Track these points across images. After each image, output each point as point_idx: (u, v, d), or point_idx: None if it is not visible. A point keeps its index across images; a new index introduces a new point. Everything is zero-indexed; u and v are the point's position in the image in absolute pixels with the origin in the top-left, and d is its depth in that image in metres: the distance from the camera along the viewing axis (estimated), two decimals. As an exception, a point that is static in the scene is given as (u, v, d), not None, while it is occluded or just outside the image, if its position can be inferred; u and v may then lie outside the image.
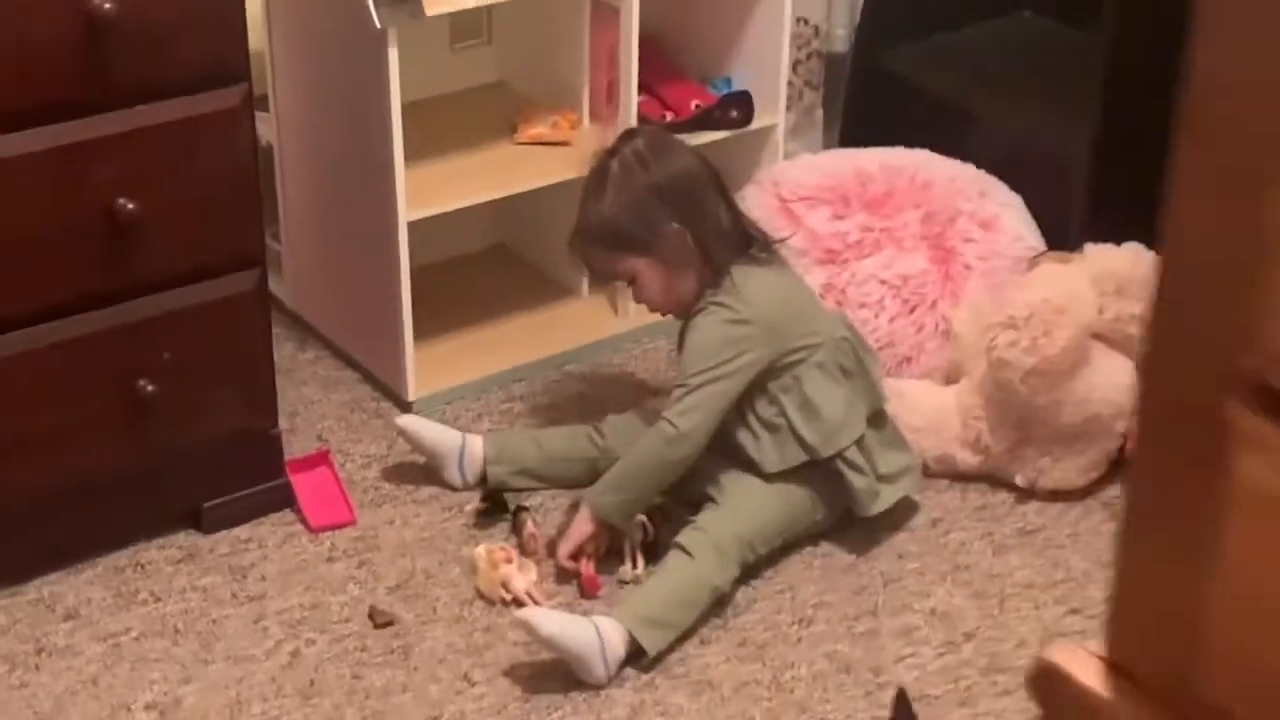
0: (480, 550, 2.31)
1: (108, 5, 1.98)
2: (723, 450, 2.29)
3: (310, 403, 2.70)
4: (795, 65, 3.33)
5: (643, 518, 2.31)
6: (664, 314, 2.37)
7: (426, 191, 2.58)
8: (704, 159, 2.31)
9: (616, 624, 2.13)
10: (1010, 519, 2.48)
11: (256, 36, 2.62)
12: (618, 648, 2.12)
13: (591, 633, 2.10)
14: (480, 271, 3.00)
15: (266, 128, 2.78)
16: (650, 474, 2.25)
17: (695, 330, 2.25)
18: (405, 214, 2.54)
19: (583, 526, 2.24)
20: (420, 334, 2.66)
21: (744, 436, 2.29)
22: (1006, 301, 2.46)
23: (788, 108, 3.05)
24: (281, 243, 2.87)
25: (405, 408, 2.67)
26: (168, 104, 2.11)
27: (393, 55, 2.43)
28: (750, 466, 2.30)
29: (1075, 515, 2.49)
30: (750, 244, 2.30)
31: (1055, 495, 2.51)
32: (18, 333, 2.11)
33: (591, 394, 2.75)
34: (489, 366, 2.75)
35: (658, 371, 2.81)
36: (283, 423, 2.54)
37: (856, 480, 2.30)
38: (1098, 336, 2.49)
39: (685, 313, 2.31)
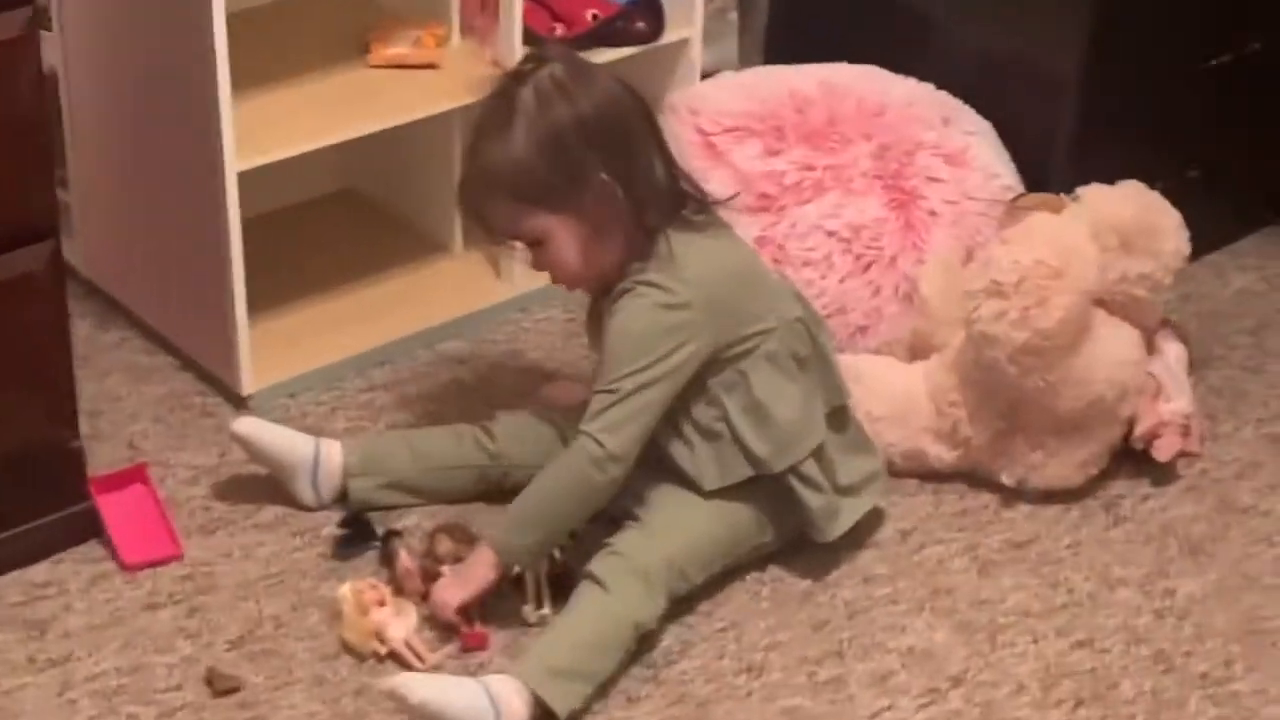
0: (345, 590, 2.17)
1: None
2: (648, 458, 2.17)
3: (116, 399, 2.54)
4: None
5: None
6: (573, 288, 2.23)
7: (259, 131, 2.42)
8: (633, 90, 2.17)
9: (516, 682, 2.01)
10: (996, 528, 2.40)
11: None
12: (518, 712, 2.00)
13: (481, 698, 1.98)
14: (326, 223, 2.85)
15: (50, 49, 2.59)
16: (571, 505, 2.13)
17: (621, 317, 2.12)
18: (234, 162, 2.38)
19: (484, 574, 2.12)
20: (254, 307, 2.50)
21: (676, 446, 2.17)
22: (990, 262, 2.36)
23: (699, 10, 2.91)
24: (71, 193, 2.69)
25: (239, 403, 2.52)
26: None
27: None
28: (683, 479, 2.18)
29: (1074, 520, 2.42)
30: (684, 202, 2.17)
31: (1049, 496, 2.43)
32: None
33: (473, 380, 2.61)
34: (342, 347, 2.61)
35: (553, 348, 2.69)
36: (84, 427, 2.37)
37: (812, 499, 2.20)
38: (1099, 303, 2.40)
39: (603, 288, 2.17)
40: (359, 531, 2.28)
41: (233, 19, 2.31)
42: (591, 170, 2.08)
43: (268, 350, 2.54)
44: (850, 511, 2.25)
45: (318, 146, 2.45)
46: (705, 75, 2.91)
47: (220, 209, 2.40)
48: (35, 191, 2.07)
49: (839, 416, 2.25)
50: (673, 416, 2.15)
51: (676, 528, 2.17)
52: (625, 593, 2.09)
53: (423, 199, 2.80)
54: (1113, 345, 2.40)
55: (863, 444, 2.29)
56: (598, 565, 2.12)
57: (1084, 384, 2.36)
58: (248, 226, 2.44)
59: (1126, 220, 2.41)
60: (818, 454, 2.19)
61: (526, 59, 2.19)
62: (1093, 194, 2.46)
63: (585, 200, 2.09)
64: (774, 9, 3.05)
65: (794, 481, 2.18)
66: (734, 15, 3.31)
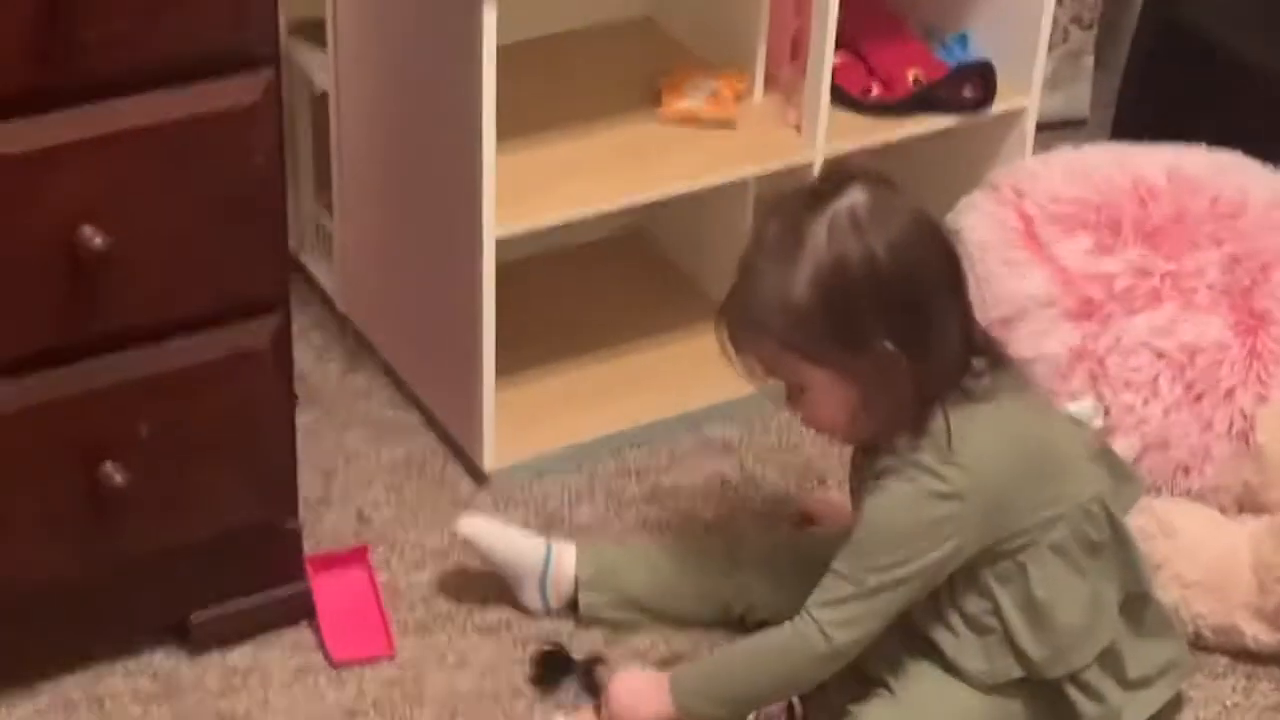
0: (559, 726, 2.03)
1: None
2: (906, 627, 1.97)
3: (354, 457, 2.42)
4: (1060, -2, 2.95)
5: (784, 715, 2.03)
6: (825, 432, 2.02)
7: (524, 192, 2.26)
8: (943, 232, 1.92)
9: None
10: (1316, 732, 2.13)
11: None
12: None
13: None
14: (603, 268, 2.67)
15: (323, 71, 2.49)
16: (774, 691, 1.97)
17: (883, 500, 1.90)
18: (492, 226, 2.22)
19: (653, 712, 1.96)
20: (506, 366, 2.36)
21: (938, 631, 1.96)
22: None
23: (1049, 47, 2.65)
24: (335, 220, 2.58)
25: (479, 479, 2.38)
26: (153, 97, 1.81)
27: (488, 18, 2.09)
28: (941, 658, 1.97)
29: None
30: (971, 365, 1.94)
31: (1384, 700, 2.15)
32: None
33: (737, 477, 2.43)
34: (599, 423, 2.45)
35: (830, 443, 2.46)
36: (316, 488, 2.31)
37: (1089, 709, 1.97)
38: None
39: (861, 444, 1.97)
40: (554, 664, 2.13)
41: (508, 52, 2.14)
42: (875, 337, 1.85)
43: (515, 418, 2.40)
44: (1137, 710, 2.01)
45: (585, 215, 2.28)
46: (1045, 126, 2.66)
47: (476, 272, 2.25)
48: (262, 266, 1.95)
49: (1135, 604, 2.01)
50: (937, 602, 1.93)
51: (934, 709, 1.96)
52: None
53: (709, 254, 2.62)
54: None
55: (1161, 628, 2.04)
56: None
57: None
58: (507, 270, 2.27)
59: None
60: (1103, 655, 1.95)
61: (827, 178, 1.96)
62: None
63: (861, 365, 1.87)
64: (1129, 74, 2.77)
65: (1070, 688, 1.95)
66: (1089, 60, 3.06)
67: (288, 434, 2.07)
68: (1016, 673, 1.94)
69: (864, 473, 1.94)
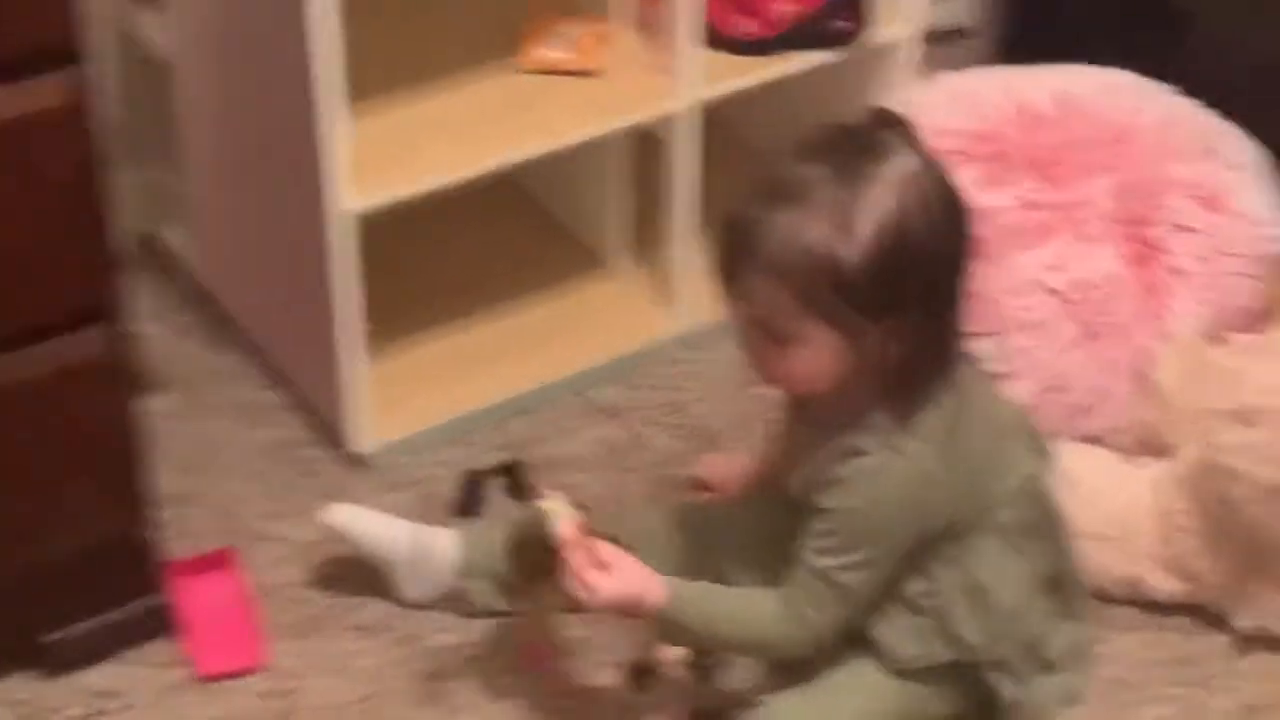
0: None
1: None
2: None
3: (219, 446, 2.27)
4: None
5: (688, 675, 1.97)
6: (789, 390, 1.82)
7: (377, 166, 2.08)
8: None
9: None
10: (1226, 685, 2.02)
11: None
12: None
13: None
14: (472, 220, 2.47)
15: (163, 33, 2.29)
16: (741, 641, 1.86)
17: (864, 486, 1.72)
18: (344, 201, 2.04)
19: (642, 601, 1.78)
20: (375, 340, 2.19)
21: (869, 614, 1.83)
22: (1239, 377, 1.95)
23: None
24: (191, 192, 2.39)
25: (351, 462, 2.22)
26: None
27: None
28: (866, 645, 1.83)
29: (1325, 682, 2.02)
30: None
31: (1295, 649, 2.04)
32: None
33: (625, 442, 2.29)
34: (477, 394, 2.29)
35: (721, 399, 2.33)
36: (177, 483, 2.15)
37: (1008, 689, 1.86)
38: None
39: (826, 414, 1.78)
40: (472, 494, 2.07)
41: (350, 3, 1.94)
42: (906, 310, 1.67)
43: (389, 394, 2.25)
44: (1056, 693, 1.88)
45: (446, 183, 2.10)
46: (928, 38, 2.47)
47: (332, 247, 2.07)
48: (88, 273, 1.79)
49: (1061, 584, 1.87)
50: None
51: (845, 696, 1.84)
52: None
53: (585, 201, 2.45)
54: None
55: (1081, 609, 1.92)
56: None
57: (1349, 531, 1.95)
58: (372, 228, 2.09)
59: None
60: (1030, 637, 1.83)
61: (883, 117, 1.73)
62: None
63: (873, 333, 1.68)
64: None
65: (992, 673, 1.83)
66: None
67: (134, 444, 1.92)
68: (946, 657, 1.82)
69: (817, 443, 1.77)
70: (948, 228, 1.69)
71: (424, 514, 2.13)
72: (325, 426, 2.26)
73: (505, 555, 1.95)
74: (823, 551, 1.75)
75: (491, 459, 2.24)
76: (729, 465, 2.16)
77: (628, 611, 1.79)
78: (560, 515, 1.77)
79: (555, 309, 2.40)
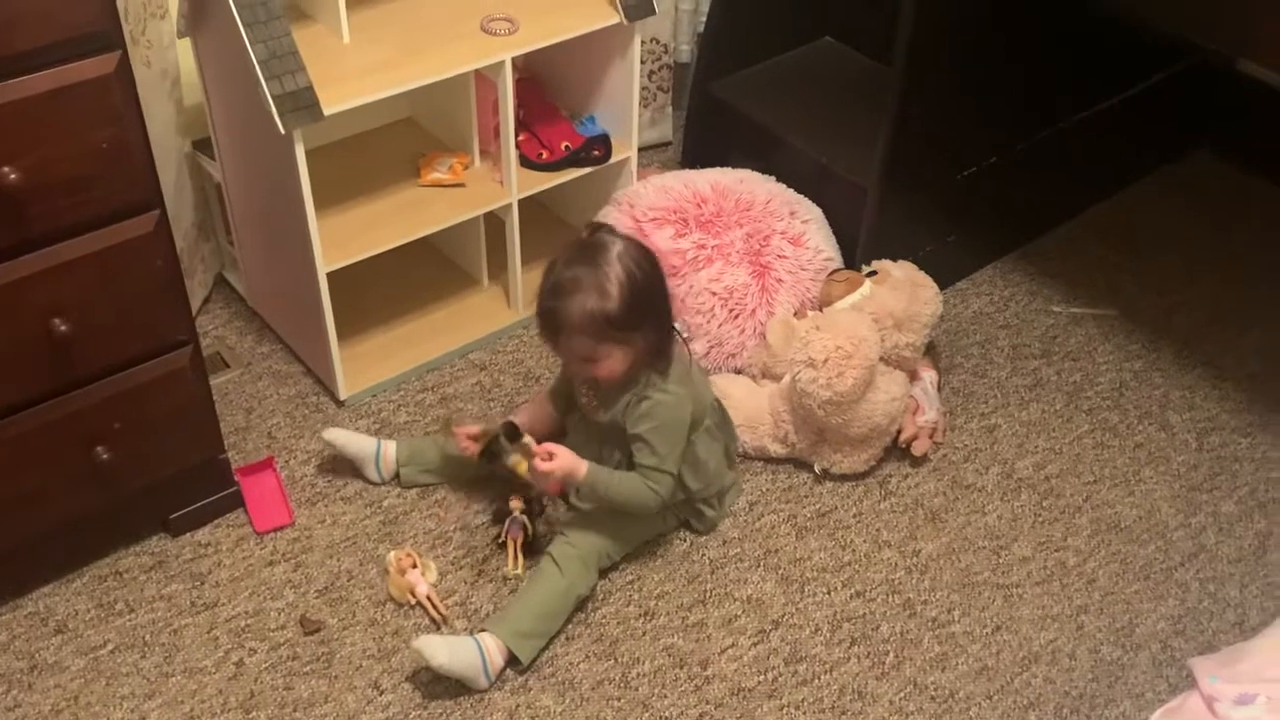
0: (390, 556, 1.88)
1: (13, 176, 1.40)
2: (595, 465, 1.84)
3: (263, 399, 2.20)
4: (650, 74, 2.76)
5: (524, 519, 1.89)
6: (599, 383, 1.82)
7: (342, 242, 2.04)
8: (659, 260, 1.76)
9: (497, 640, 1.72)
10: (810, 500, 2.08)
11: (196, 91, 2.08)
12: (497, 659, 1.73)
13: (475, 653, 1.70)
14: (402, 266, 2.42)
15: (216, 166, 2.20)
16: (626, 503, 1.80)
17: (661, 413, 1.75)
18: (323, 264, 2.00)
19: (571, 469, 1.74)
20: (347, 333, 2.17)
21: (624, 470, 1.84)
22: (807, 343, 1.99)
23: (644, 105, 2.48)
24: (236, 248, 2.31)
25: (339, 404, 2.18)
26: (84, 239, 1.55)
27: (299, 151, 1.84)
28: None
29: (859, 495, 2.10)
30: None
31: (844, 478, 2.11)
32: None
33: (489, 382, 2.26)
34: (407, 361, 2.26)
35: (541, 358, 2.32)
36: (239, 419, 2.10)
37: (709, 513, 1.91)
38: (880, 359, 2.04)
39: (615, 389, 1.79)
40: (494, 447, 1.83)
41: (315, 152, 1.92)
42: (649, 323, 1.70)
43: (357, 364, 2.20)
44: (720, 513, 1.94)
45: (382, 250, 2.06)
46: (647, 148, 2.47)
47: (319, 295, 2.03)
48: (174, 323, 1.73)
49: (728, 451, 1.93)
50: (630, 457, 1.81)
51: (609, 522, 1.86)
52: (572, 574, 1.80)
53: (464, 251, 2.42)
54: (887, 390, 2.04)
55: (733, 464, 1.97)
56: (556, 549, 1.82)
57: (868, 418, 2.02)
58: (341, 275, 2.04)
59: (899, 310, 2.04)
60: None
61: (601, 229, 1.73)
62: (879, 291, 2.08)
63: (638, 340, 1.71)
64: (688, 132, 2.61)
65: (700, 504, 1.89)
66: (669, 109, 2.88)
67: (209, 410, 1.86)
68: (681, 497, 1.86)
69: (608, 399, 1.78)
70: (654, 272, 1.72)
71: (379, 431, 2.11)
72: (323, 385, 2.22)
73: (481, 456, 1.79)
74: (649, 454, 1.77)
75: (420, 399, 2.20)
76: (530, 413, 2.05)
77: (567, 479, 1.77)
78: (529, 437, 1.77)
79: (450, 309, 2.36)
